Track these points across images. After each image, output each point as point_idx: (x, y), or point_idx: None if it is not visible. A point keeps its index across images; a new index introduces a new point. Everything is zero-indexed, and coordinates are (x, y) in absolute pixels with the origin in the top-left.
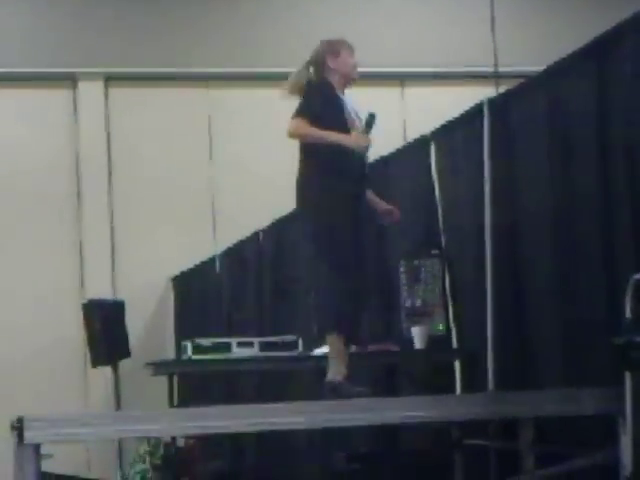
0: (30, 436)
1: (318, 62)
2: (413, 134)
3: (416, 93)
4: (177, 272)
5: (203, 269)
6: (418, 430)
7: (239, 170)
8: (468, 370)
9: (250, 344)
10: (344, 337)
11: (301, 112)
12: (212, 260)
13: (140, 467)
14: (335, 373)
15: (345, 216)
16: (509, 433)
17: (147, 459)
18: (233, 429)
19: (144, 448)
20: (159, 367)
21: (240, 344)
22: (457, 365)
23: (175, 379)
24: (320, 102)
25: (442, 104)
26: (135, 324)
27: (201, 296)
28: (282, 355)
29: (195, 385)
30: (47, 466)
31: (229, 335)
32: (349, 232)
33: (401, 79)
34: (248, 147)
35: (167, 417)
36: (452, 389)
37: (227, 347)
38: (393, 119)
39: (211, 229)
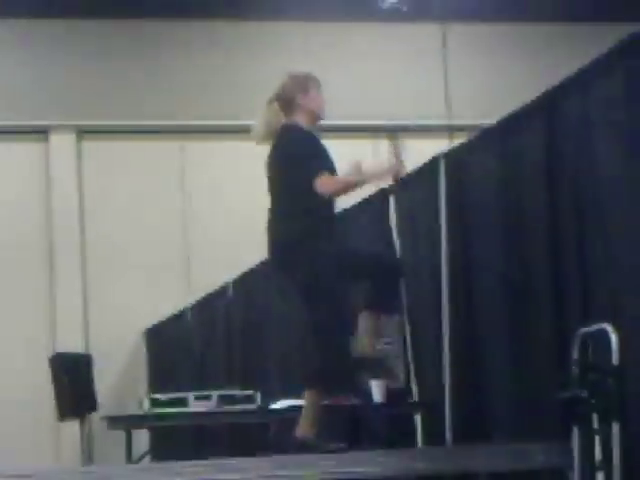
0: None
1: (286, 99)
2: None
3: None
4: (149, 324)
5: (174, 321)
6: None
7: (211, 221)
8: (427, 423)
9: (208, 397)
10: (323, 394)
11: (320, 167)
12: (183, 312)
13: None
14: (306, 430)
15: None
16: None
17: None
18: None
19: None
20: (114, 422)
21: (198, 397)
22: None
23: (132, 434)
24: (321, 149)
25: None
26: (107, 376)
27: (172, 348)
28: (238, 409)
29: (164, 437)
30: None
31: (200, 387)
32: (338, 289)
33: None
34: (220, 198)
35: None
36: (412, 442)
37: (184, 401)
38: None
39: (184, 281)
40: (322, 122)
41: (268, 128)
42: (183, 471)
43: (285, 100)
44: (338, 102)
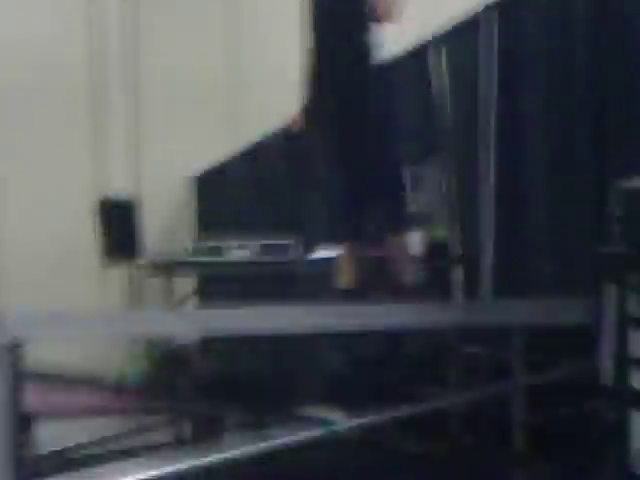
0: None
1: None
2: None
3: None
4: (198, 170)
5: (223, 168)
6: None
7: (263, 62)
8: (467, 277)
9: (248, 246)
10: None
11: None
12: (232, 160)
13: (136, 367)
14: (347, 280)
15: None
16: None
17: (144, 359)
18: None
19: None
20: (156, 268)
21: (237, 246)
22: (457, 272)
23: (176, 281)
24: None
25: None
26: (155, 222)
27: (220, 195)
28: (277, 259)
29: (208, 285)
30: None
31: (245, 236)
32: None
33: None
34: (274, 38)
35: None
36: (450, 295)
37: (224, 250)
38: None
39: (235, 125)
40: None
41: None
42: (219, 316)
43: None
44: None
